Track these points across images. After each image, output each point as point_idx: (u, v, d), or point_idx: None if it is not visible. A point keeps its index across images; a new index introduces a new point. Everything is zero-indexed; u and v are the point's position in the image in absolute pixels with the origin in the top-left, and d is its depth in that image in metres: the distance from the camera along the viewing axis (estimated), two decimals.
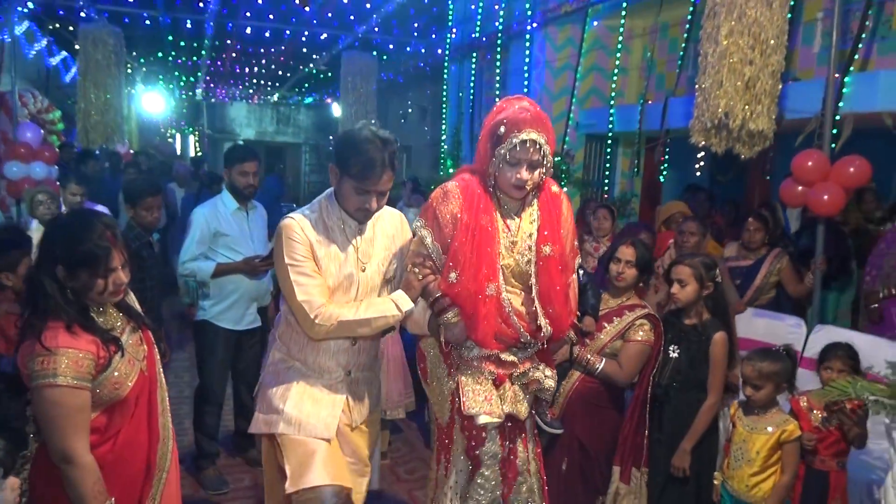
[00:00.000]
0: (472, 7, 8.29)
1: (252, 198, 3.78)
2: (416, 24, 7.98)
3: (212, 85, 14.74)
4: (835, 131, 4.22)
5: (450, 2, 8.20)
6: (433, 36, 8.97)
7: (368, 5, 7.10)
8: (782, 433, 2.56)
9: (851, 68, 4.52)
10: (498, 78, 8.08)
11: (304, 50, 9.81)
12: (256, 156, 3.83)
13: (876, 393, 2.32)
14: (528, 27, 7.43)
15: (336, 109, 15.61)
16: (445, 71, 9.35)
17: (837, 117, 4.22)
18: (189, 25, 8.52)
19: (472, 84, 8.78)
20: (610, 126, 7.09)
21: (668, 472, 2.82)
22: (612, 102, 7.18)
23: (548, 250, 2.27)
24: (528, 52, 7.58)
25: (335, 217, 2.30)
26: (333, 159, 2.26)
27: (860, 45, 4.63)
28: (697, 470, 2.81)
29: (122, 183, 5.55)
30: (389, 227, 2.43)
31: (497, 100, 8.47)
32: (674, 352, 2.84)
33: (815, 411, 2.72)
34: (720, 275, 2.91)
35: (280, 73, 12.28)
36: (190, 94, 16.36)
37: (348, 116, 9.28)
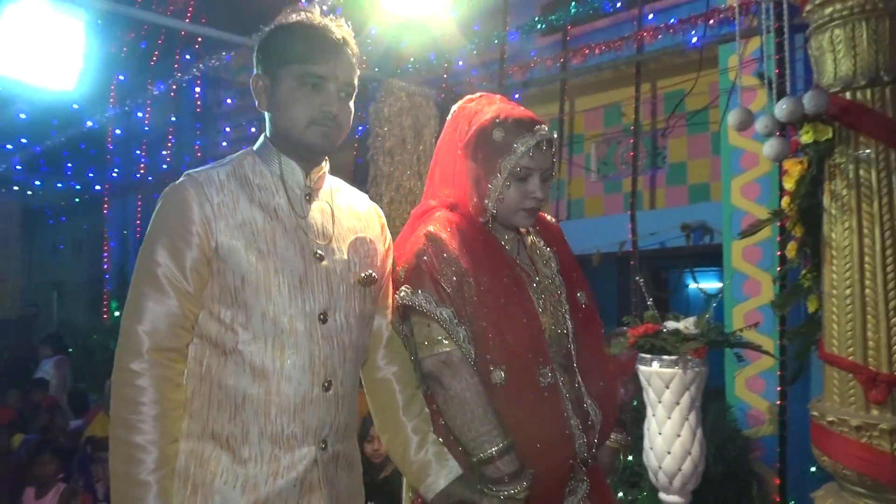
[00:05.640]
0: (136, 151, 8.07)
1: None
2: (69, 165, 7.37)
3: None
4: None
5: (109, 145, 7.85)
6: (90, 175, 8.37)
7: (10, 146, 6.39)
8: None
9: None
10: None
11: None
12: None
13: None
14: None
15: None
16: (106, 207, 8.74)
17: None
18: None
19: (137, 221, 8.35)
20: None
21: None
22: None
23: (583, 299, 1.63)
24: None
25: (267, 171, 1.42)
26: (257, 66, 1.43)
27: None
28: None
29: None
30: (356, 203, 1.56)
31: None
32: None
33: None
34: None
35: None
36: None
37: None
